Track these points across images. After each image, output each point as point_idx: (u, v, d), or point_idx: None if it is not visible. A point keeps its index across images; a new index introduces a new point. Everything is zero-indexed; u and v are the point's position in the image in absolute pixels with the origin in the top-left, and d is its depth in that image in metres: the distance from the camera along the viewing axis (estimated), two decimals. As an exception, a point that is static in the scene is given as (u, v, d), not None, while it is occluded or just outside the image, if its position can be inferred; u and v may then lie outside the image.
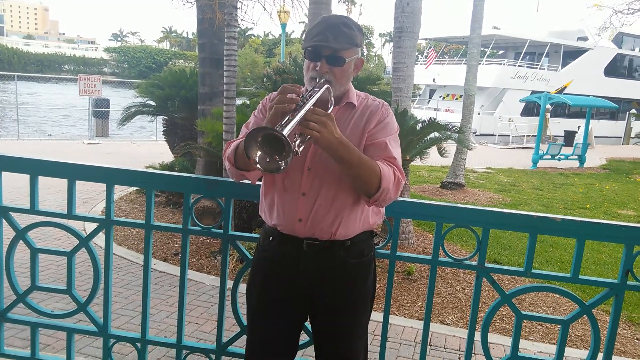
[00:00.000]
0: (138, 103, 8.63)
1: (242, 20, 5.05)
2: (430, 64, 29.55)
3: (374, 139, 1.69)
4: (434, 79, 29.29)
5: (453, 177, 10.08)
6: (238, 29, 4.68)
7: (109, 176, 2.32)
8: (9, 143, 12.74)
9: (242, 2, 5.01)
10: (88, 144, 13.40)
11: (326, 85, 1.64)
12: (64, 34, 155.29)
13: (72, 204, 2.35)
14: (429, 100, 30.64)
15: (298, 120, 1.42)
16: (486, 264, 2.14)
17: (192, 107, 7.22)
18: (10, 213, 2.41)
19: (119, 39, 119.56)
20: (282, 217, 1.75)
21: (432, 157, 6.77)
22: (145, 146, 13.54)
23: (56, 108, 24.53)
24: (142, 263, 4.89)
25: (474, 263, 2.15)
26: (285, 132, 1.34)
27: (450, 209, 2.13)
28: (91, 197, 7.22)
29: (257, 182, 1.84)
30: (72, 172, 2.33)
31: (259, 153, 1.39)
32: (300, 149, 1.47)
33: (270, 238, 1.80)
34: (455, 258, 2.15)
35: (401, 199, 2.16)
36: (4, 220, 2.42)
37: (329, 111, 1.60)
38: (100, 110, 15.16)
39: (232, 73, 4.73)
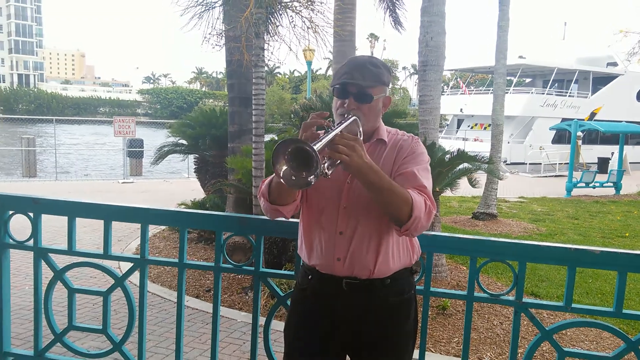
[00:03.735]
0: (170, 142, 8.88)
1: (268, 60, 5.19)
2: (466, 91, 29.80)
3: (403, 170, 1.68)
4: (461, 109, 29.27)
5: (485, 208, 9.91)
6: (265, 69, 4.80)
7: (144, 216, 2.37)
8: (48, 184, 13.18)
9: (268, 44, 5.15)
10: (123, 183, 13.75)
11: (354, 117, 1.65)
12: (99, 78, 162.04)
13: (108, 244, 2.41)
14: (457, 130, 30.53)
15: (327, 142, 1.42)
16: (524, 299, 2.08)
17: (222, 145, 7.38)
18: (49, 254, 2.48)
19: (152, 81, 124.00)
20: (321, 256, 1.75)
21: (463, 188, 6.70)
22: (178, 184, 13.81)
23: (92, 149, 25.37)
24: (175, 300, 4.96)
25: (511, 298, 2.09)
26: (317, 147, 1.34)
27: (484, 242, 2.09)
28: (125, 235, 7.35)
29: (293, 220, 1.86)
30: (109, 213, 2.40)
31: (284, 168, 1.39)
32: (330, 171, 1.47)
33: (309, 277, 1.80)
34: (491, 293, 2.10)
35: (433, 232, 2.14)
36: (42, 261, 2.49)
37: None
38: (135, 150, 15.61)
39: (260, 112, 4.83)
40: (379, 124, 1.78)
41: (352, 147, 1.47)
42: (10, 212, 2.48)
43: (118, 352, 2.43)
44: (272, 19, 5.08)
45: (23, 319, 4.20)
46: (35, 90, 75.70)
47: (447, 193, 6.46)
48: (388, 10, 12.70)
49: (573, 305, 2.04)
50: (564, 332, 4.40)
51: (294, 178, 1.40)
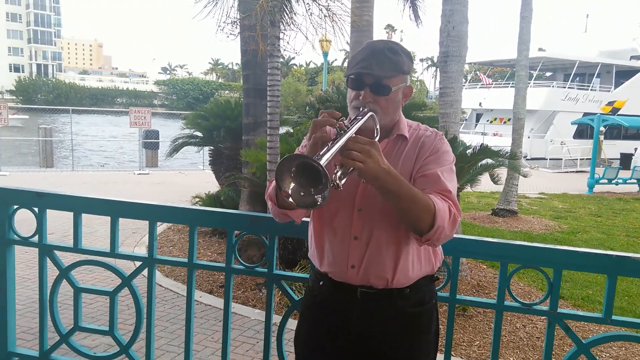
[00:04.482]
0: (185, 134, 8.81)
1: (284, 50, 5.04)
2: (486, 83, 29.41)
3: (426, 170, 1.51)
4: (480, 103, 28.86)
5: (505, 204, 9.67)
6: (281, 60, 4.65)
7: (152, 213, 2.25)
8: (64, 175, 13.23)
9: (284, 33, 5.00)
10: (138, 174, 13.75)
11: (370, 113, 1.49)
12: (116, 68, 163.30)
13: (115, 241, 2.29)
14: (476, 125, 30.14)
15: (338, 149, 1.27)
16: (559, 309, 1.91)
17: (236, 137, 7.26)
18: (55, 251, 2.38)
19: (168, 72, 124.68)
20: (332, 263, 1.60)
21: (482, 183, 6.51)
22: (193, 176, 13.76)
23: (108, 140, 25.54)
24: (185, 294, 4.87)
25: (545, 308, 1.93)
26: (323, 161, 1.18)
27: (516, 247, 1.93)
28: (140, 227, 7.29)
29: (305, 219, 1.72)
30: (115, 210, 2.28)
31: (292, 185, 1.24)
32: (342, 181, 1.30)
33: (321, 282, 1.65)
34: (523, 302, 1.93)
35: (459, 235, 1.97)
36: (48, 259, 2.39)
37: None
38: (150, 141, 15.60)
39: (275, 103, 4.69)
40: (398, 118, 1.60)
41: (367, 152, 1.29)
42: (15, 207, 2.38)
43: (125, 354, 2.33)
44: (288, 6, 4.93)
45: (35, 314, 4.13)
46: (54, 80, 76.67)
47: (467, 189, 6.27)
48: (408, 1, 12.45)
49: (614, 317, 1.87)
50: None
51: (302, 194, 1.24)
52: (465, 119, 31.44)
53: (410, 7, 12.56)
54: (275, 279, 2.15)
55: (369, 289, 1.56)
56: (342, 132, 1.34)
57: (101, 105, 66.65)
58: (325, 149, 1.26)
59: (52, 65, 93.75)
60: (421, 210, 1.39)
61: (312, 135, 1.38)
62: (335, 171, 1.30)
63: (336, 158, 1.29)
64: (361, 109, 1.51)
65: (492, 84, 30.97)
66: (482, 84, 30.14)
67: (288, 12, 5.02)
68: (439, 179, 1.48)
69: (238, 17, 5.19)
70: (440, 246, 1.67)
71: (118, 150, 21.81)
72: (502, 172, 8.41)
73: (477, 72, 33.70)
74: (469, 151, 5.07)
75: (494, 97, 27.64)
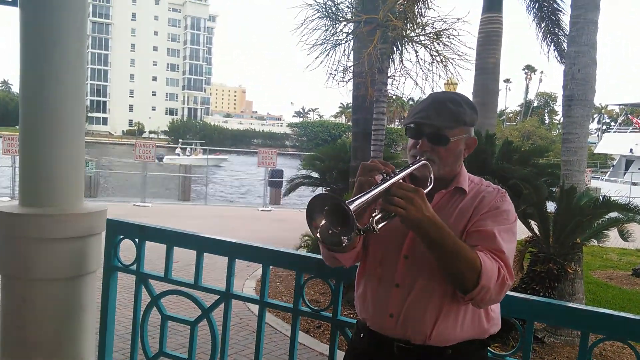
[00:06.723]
0: (301, 175, 9.20)
1: (392, 94, 5.09)
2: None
3: (481, 226, 1.44)
4: (631, 149, 26.04)
5: (648, 264, 8.52)
6: (385, 106, 4.71)
7: (230, 250, 2.38)
8: (198, 208, 14.47)
9: (393, 78, 5.08)
10: (262, 210, 14.52)
11: (422, 162, 1.48)
12: (256, 112, 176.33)
13: (199, 274, 2.46)
14: (624, 173, 27.19)
15: (375, 194, 1.29)
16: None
17: (348, 179, 7.42)
18: (149, 280, 2.61)
19: (301, 115, 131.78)
20: (372, 310, 1.57)
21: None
22: (311, 215, 14.15)
23: (240, 178, 27.48)
24: (284, 332, 4.96)
25: (636, 391, 1.66)
26: (353, 206, 1.21)
27: (600, 315, 1.70)
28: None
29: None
30: (200, 245, 2.46)
31: (323, 222, 1.28)
32: (380, 225, 1.31)
33: (362, 335, 1.63)
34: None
35: (533, 297, 1.80)
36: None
37: (426, 190, 1.42)
38: (275, 180, 16.47)
39: (379, 147, 4.73)
40: (459, 170, 1.56)
41: (410, 199, 1.29)
42: (120, 237, 2.67)
43: (200, 384, 2.44)
44: (397, 53, 5.01)
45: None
46: (201, 122, 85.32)
47: (605, 244, 5.63)
48: (552, 44, 11.79)
49: None
50: None
51: (330, 232, 1.28)
52: (613, 166, 28.60)
53: (555, 49, 11.82)
54: (339, 325, 2.14)
55: (407, 344, 1.49)
56: (388, 177, 1.36)
57: (239, 145, 72.26)
58: (362, 193, 1.29)
59: (201, 109, 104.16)
60: (465, 266, 1.33)
61: (359, 178, 1.41)
62: (374, 215, 1.32)
63: (377, 204, 1.32)
64: (417, 158, 1.51)
65: (645, 129, 27.91)
66: (633, 128, 27.25)
67: (397, 58, 5.11)
68: (495, 237, 1.41)
69: (349, 65, 5.39)
70: (497, 310, 1.55)
71: (247, 187, 23.35)
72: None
73: (629, 116, 30.66)
74: (588, 204, 4.59)
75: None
